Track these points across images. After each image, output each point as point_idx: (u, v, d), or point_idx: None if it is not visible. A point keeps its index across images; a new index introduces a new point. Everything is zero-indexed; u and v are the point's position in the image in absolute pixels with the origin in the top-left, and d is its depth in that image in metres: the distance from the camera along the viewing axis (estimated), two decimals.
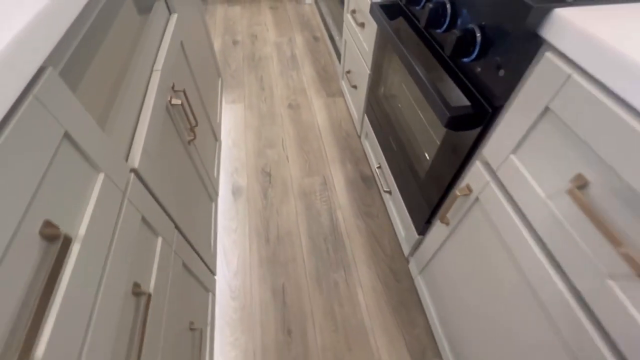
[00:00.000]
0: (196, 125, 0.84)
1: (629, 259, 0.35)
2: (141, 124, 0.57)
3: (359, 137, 1.48)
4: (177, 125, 0.74)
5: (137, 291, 0.46)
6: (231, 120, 1.55)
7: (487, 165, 0.59)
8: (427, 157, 0.81)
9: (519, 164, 0.50)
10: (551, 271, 0.46)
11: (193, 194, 0.84)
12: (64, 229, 0.34)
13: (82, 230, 0.36)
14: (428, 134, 0.80)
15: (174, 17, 0.84)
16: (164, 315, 0.54)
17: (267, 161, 1.39)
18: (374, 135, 1.21)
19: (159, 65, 0.69)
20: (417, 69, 0.66)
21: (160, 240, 0.57)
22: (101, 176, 0.41)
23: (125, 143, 0.51)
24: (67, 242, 0.31)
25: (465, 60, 0.57)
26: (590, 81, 0.38)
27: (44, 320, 0.29)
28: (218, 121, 1.32)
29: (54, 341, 0.30)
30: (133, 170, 0.50)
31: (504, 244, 0.56)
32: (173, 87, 0.73)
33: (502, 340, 0.60)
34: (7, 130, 0.27)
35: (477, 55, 0.54)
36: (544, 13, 0.41)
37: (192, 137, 0.81)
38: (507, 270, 0.56)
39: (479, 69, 0.55)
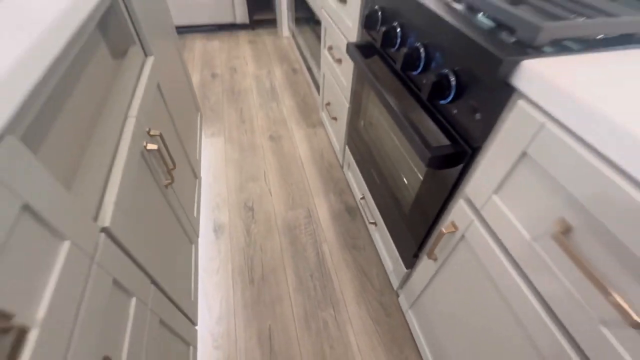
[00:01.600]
0: (174, 168, 0.82)
1: (618, 307, 0.35)
2: (114, 176, 0.54)
3: (342, 167, 1.48)
4: (153, 170, 0.72)
5: None
6: (211, 155, 1.53)
7: (470, 203, 0.59)
8: (411, 191, 0.81)
9: (501, 205, 0.51)
10: (543, 314, 0.46)
11: (172, 240, 0.80)
12: (20, 316, 0.30)
13: (41, 313, 0.32)
14: (410, 168, 0.81)
15: (150, 59, 0.83)
16: None
17: (250, 195, 1.36)
18: (356, 167, 1.21)
19: (134, 111, 0.67)
20: (395, 108, 0.67)
21: (134, 300, 0.52)
22: (66, 244, 0.37)
23: (95, 200, 0.48)
24: (22, 333, 0.28)
25: (442, 102, 0.59)
26: (564, 130, 0.39)
27: None
28: (197, 157, 1.29)
29: None
30: (104, 230, 0.47)
31: (494, 284, 0.56)
32: (149, 132, 0.71)
33: None
34: None
35: (452, 99, 0.56)
36: (514, 65, 0.43)
37: (169, 181, 0.78)
38: (498, 310, 0.55)
39: (455, 111, 0.57)
